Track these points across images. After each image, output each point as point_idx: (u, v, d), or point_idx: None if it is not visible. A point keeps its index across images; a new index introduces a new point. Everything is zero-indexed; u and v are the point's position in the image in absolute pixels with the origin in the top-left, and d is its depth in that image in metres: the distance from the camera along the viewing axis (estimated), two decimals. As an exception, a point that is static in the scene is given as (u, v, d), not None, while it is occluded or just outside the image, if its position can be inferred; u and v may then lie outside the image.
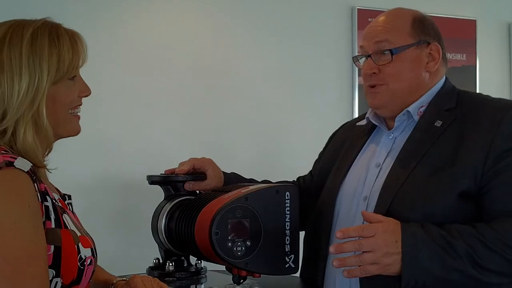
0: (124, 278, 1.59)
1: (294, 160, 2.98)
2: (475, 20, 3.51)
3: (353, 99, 3.14)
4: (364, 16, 3.14)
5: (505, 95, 3.58)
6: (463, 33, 3.47)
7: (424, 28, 1.74)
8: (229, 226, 1.57)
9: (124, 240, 2.79)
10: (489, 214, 1.54)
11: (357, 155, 1.81)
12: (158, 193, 1.92)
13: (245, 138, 2.98)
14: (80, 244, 1.33)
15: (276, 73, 3.05)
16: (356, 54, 3.08)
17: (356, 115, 3.10)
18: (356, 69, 3.12)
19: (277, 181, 2.09)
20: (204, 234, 1.58)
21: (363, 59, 1.76)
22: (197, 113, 2.90)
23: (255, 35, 3.01)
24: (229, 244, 1.57)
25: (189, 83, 2.89)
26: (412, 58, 1.71)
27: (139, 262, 1.94)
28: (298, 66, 3.09)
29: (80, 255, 1.32)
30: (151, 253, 1.92)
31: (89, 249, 1.35)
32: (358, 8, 3.14)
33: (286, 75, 3.07)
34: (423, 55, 1.72)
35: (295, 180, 2.13)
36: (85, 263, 1.32)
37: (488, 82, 3.54)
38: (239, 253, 1.58)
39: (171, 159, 2.70)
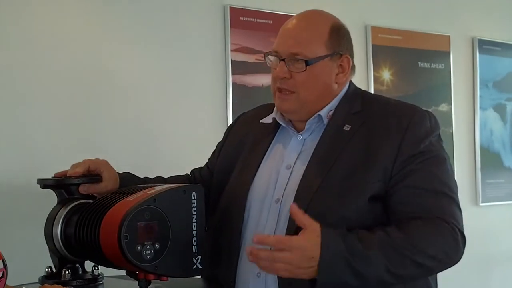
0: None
1: (171, 159, 2.94)
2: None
3: (226, 97, 3.12)
4: (237, 14, 3.15)
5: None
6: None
7: (340, 39, 1.74)
8: (138, 229, 1.53)
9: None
10: (393, 214, 1.63)
11: (264, 155, 1.80)
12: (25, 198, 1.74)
13: (119, 138, 2.87)
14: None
15: (149, 73, 2.95)
16: (230, 51, 3.14)
17: (230, 113, 3.09)
18: (230, 67, 3.12)
19: (170, 176, 2.04)
20: (112, 238, 1.52)
21: (276, 59, 1.73)
22: (72, 113, 2.74)
23: (125, 34, 2.91)
24: (138, 247, 1.53)
25: (64, 82, 2.72)
26: (325, 70, 1.72)
27: (26, 273, 1.82)
28: (171, 66, 3.01)
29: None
30: (38, 263, 1.81)
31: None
32: (230, 7, 3.14)
33: (158, 76, 2.98)
34: (334, 66, 1.74)
35: (189, 173, 2.07)
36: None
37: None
38: (148, 257, 1.55)
39: (42, 162, 2.56)
